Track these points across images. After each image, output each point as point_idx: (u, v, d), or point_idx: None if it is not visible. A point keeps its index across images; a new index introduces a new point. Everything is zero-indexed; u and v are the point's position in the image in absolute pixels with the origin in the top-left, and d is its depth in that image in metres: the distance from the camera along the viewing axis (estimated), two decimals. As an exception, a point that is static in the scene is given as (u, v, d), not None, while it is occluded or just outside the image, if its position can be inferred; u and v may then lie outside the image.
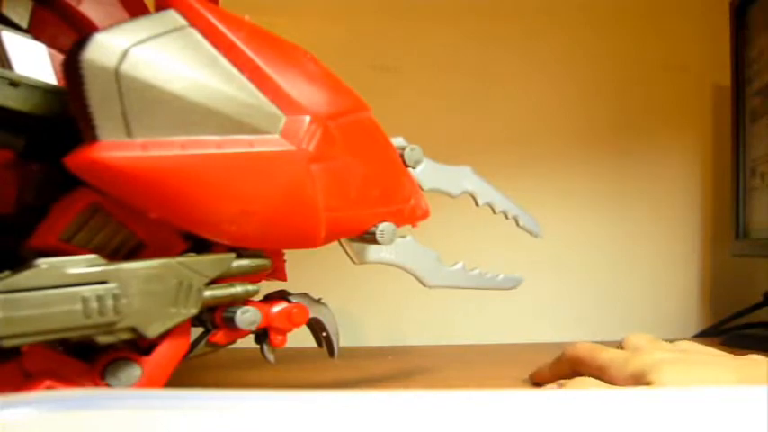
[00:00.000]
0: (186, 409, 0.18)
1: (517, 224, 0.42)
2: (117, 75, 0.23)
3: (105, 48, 0.23)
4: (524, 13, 0.69)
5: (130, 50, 0.23)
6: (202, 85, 0.25)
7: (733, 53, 0.65)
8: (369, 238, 0.33)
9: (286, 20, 0.65)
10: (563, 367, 0.39)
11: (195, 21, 0.25)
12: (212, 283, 0.27)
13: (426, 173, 0.37)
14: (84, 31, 0.29)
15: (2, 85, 0.23)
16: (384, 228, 0.33)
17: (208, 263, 0.27)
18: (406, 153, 0.35)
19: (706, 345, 0.39)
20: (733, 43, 0.65)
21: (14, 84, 0.23)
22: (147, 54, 0.23)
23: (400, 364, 0.51)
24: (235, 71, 0.26)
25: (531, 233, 0.43)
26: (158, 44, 0.24)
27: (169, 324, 0.25)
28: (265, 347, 0.32)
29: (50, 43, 0.28)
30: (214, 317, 0.29)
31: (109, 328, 0.23)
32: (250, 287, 0.29)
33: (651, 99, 0.70)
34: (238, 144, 0.25)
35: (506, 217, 0.41)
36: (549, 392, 0.20)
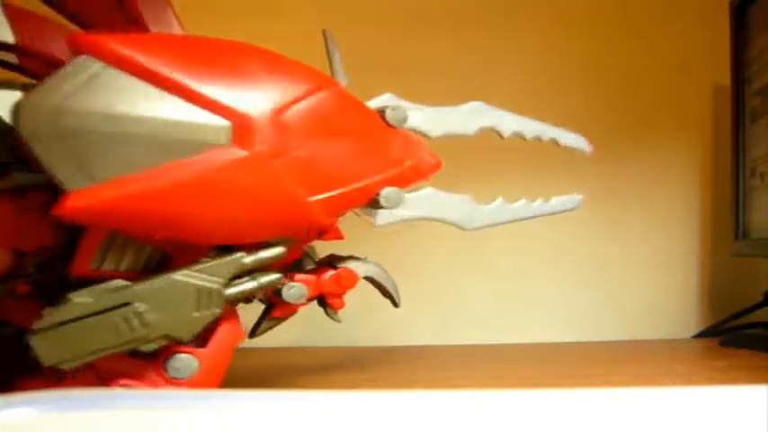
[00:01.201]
0: (186, 409, 0.18)
1: (558, 145, 0.38)
2: (58, 133, 0.25)
3: (39, 113, 0.24)
4: (524, 12, 0.69)
5: (62, 106, 0.25)
6: (138, 117, 0.26)
7: (733, 53, 0.65)
8: (375, 206, 0.33)
9: (286, 26, 0.66)
10: None
11: (109, 59, 0.26)
12: (241, 276, 0.29)
13: (429, 120, 0.35)
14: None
15: None
16: (386, 193, 0.33)
17: (219, 266, 0.28)
18: (388, 114, 0.34)
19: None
20: (733, 43, 0.65)
21: None
22: (78, 104, 0.25)
23: (400, 365, 0.51)
24: (165, 94, 0.26)
25: (579, 150, 0.39)
26: (85, 92, 0.25)
27: (198, 327, 0.28)
28: (329, 311, 0.36)
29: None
30: (268, 296, 0.33)
31: (144, 339, 0.27)
32: (267, 279, 0.30)
33: (651, 99, 0.70)
34: (196, 163, 0.26)
35: (542, 141, 0.38)
36: (549, 392, 0.20)
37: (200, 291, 0.28)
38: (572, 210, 0.40)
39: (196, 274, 0.28)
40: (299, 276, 0.34)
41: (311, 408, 0.18)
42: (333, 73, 0.39)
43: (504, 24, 0.69)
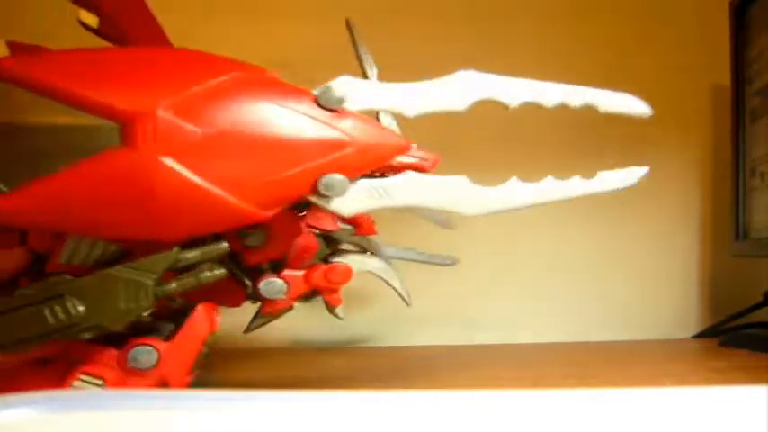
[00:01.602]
0: (186, 409, 0.18)
1: (597, 111, 0.34)
2: None
3: None
4: (523, 12, 0.69)
5: None
6: (43, 127, 0.29)
7: (733, 53, 0.65)
8: (319, 195, 0.31)
9: (286, 25, 0.66)
10: None
11: (8, 78, 0.28)
12: (187, 269, 0.30)
13: (403, 98, 0.31)
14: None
15: None
16: (326, 181, 0.30)
17: (152, 261, 0.29)
18: (320, 97, 0.31)
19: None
20: (733, 43, 0.65)
21: None
22: None
23: (400, 365, 0.51)
24: (62, 104, 0.27)
25: (631, 113, 0.36)
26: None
27: (128, 318, 0.29)
28: (328, 307, 0.36)
29: None
30: (255, 293, 0.34)
31: (80, 327, 0.28)
32: (205, 275, 0.31)
33: (651, 99, 0.70)
34: (88, 166, 0.27)
35: (569, 107, 0.33)
36: (549, 392, 0.20)
37: (127, 284, 0.29)
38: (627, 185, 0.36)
39: (129, 269, 0.29)
40: (285, 272, 0.34)
41: (311, 408, 0.18)
42: (360, 62, 0.38)
43: (503, 24, 0.69)
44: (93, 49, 0.29)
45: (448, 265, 0.50)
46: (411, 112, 0.32)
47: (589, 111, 0.33)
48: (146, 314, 0.29)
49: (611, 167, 0.38)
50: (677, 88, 0.70)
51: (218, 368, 0.47)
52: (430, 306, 0.65)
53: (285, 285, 0.34)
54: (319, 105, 0.31)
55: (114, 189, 0.27)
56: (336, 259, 0.36)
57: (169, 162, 0.27)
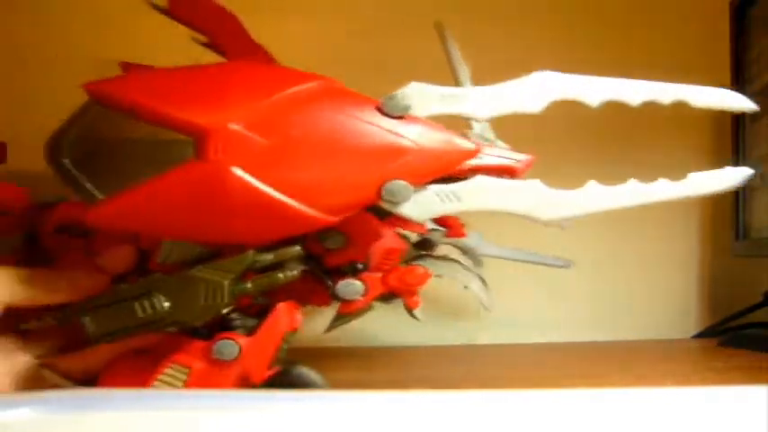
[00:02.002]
0: (186, 409, 0.18)
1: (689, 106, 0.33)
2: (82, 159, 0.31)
3: (62, 146, 0.31)
4: (523, 12, 0.69)
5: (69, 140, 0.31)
6: (130, 140, 0.32)
7: (733, 54, 0.65)
8: (385, 201, 0.31)
9: (296, 19, 0.66)
10: None
11: (97, 96, 0.31)
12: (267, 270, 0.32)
13: (474, 101, 0.32)
14: None
15: None
16: (390, 187, 0.31)
17: (228, 263, 0.32)
18: (384, 104, 0.31)
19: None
20: (733, 44, 0.65)
21: None
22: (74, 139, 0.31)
23: (401, 365, 0.51)
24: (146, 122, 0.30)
25: (731, 108, 0.34)
26: (78, 126, 0.32)
27: (207, 315, 0.31)
28: (407, 309, 0.39)
29: None
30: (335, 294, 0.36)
31: (165, 322, 0.31)
32: (277, 275, 0.33)
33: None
34: (167, 179, 0.30)
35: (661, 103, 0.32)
36: (549, 392, 0.20)
37: (207, 284, 0.31)
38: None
39: (209, 269, 0.31)
40: (365, 274, 0.36)
41: (311, 408, 0.18)
42: (450, 62, 0.40)
43: (504, 23, 0.69)
44: (172, 69, 0.32)
45: (561, 267, 0.51)
46: (483, 114, 0.32)
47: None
48: (225, 311, 0.31)
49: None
50: (677, 88, 0.70)
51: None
52: (430, 306, 0.65)
53: (363, 287, 0.35)
54: (384, 113, 0.32)
55: (192, 198, 0.30)
56: (420, 262, 0.37)
57: (239, 172, 0.29)
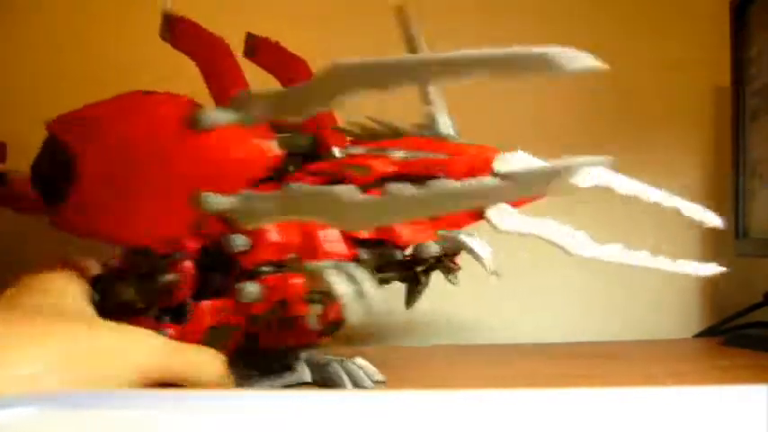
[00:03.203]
0: (186, 409, 0.18)
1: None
2: None
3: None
4: (523, 12, 0.69)
5: None
6: None
7: (733, 53, 0.65)
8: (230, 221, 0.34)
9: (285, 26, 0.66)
10: None
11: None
12: None
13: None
14: None
15: None
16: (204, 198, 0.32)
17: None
18: (188, 122, 0.32)
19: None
20: (733, 43, 0.65)
21: None
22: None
23: (399, 365, 0.51)
24: None
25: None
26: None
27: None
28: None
29: None
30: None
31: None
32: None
33: (651, 99, 0.70)
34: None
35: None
36: (549, 392, 0.20)
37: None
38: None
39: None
40: (270, 276, 0.35)
41: (311, 408, 0.18)
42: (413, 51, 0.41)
43: (504, 23, 0.69)
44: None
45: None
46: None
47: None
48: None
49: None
50: (677, 88, 0.70)
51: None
52: (430, 306, 0.65)
53: (259, 289, 0.35)
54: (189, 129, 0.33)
55: None
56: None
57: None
